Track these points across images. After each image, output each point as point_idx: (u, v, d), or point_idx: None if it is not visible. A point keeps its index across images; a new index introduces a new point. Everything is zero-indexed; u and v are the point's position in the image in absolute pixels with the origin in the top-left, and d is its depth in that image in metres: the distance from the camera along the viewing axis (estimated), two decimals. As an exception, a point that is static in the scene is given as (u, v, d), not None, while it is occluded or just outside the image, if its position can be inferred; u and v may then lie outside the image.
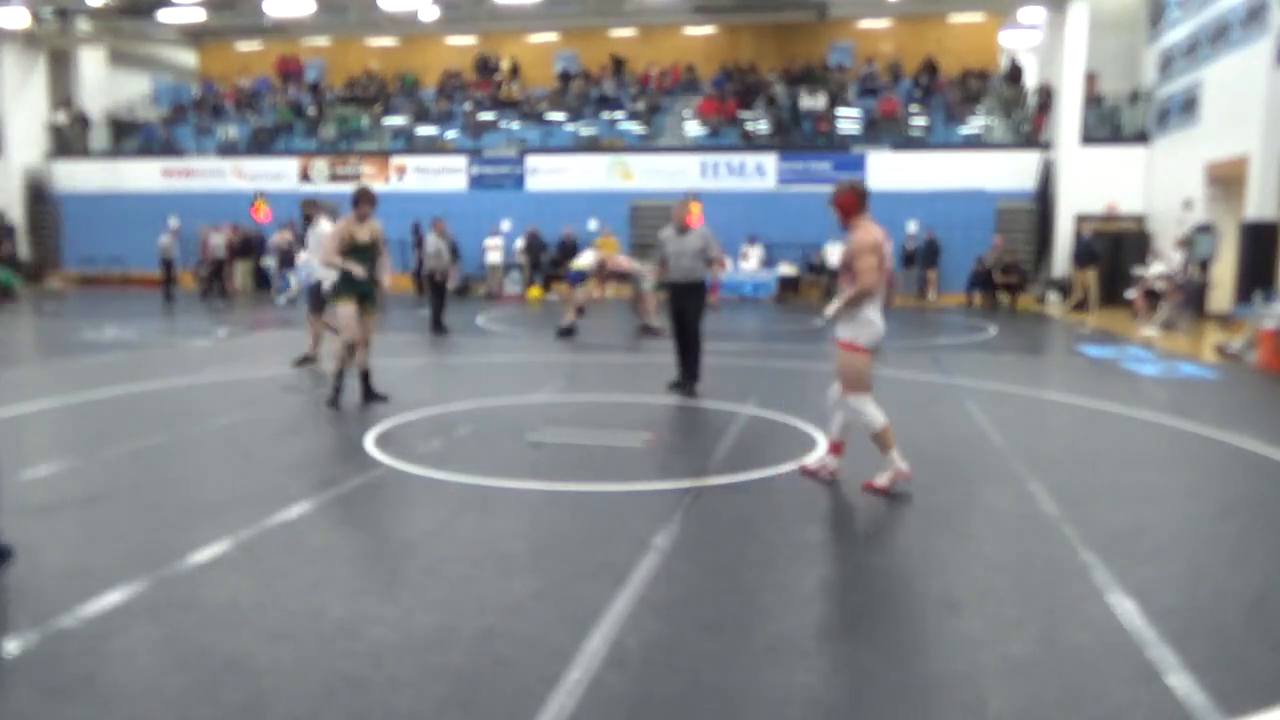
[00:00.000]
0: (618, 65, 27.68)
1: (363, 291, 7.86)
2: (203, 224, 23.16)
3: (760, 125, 24.37)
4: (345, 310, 7.86)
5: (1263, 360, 10.92)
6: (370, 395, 8.06)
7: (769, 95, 25.05)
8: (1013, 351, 12.96)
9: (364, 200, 7.88)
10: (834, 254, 22.29)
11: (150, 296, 21.53)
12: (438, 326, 14.06)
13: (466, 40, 29.16)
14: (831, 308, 5.47)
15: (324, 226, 9.73)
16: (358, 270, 7.71)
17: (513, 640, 3.38)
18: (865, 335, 5.35)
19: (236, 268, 23.76)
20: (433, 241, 14.39)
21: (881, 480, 5.37)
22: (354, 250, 7.82)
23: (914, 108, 24.24)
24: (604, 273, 14.83)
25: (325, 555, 4.39)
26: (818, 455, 5.94)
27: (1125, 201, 21.06)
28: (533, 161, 24.61)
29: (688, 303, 8.82)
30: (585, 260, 14.87)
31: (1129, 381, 10.00)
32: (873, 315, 5.37)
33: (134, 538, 4.53)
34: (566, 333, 13.49)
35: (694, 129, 24.81)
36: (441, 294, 14.32)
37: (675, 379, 8.99)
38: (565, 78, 27.47)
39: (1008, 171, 22.34)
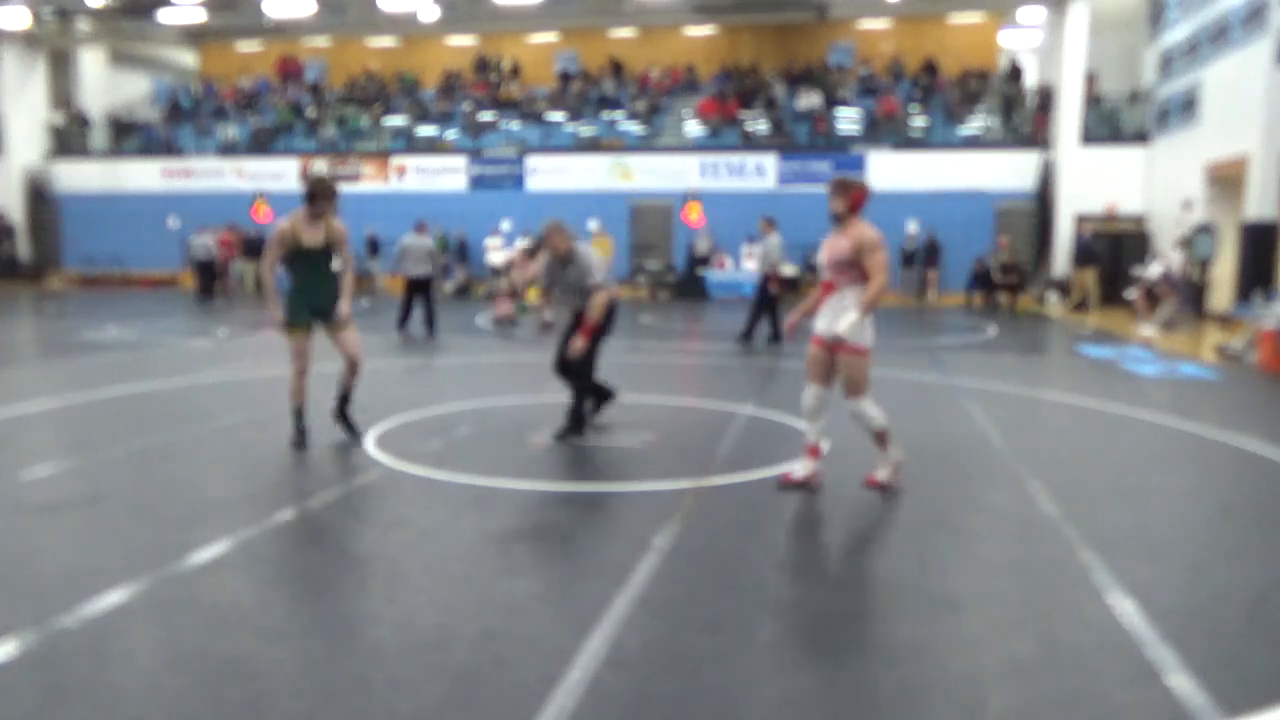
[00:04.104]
0: (618, 66, 27.68)
1: (314, 310, 6.27)
2: (218, 226, 23.36)
3: (760, 125, 24.38)
4: (292, 341, 6.29)
5: (1263, 360, 10.92)
6: (344, 421, 6.68)
7: (769, 96, 25.05)
8: (1013, 352, 12.95)
9: (322, 195, 6.04)
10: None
11: (150, 297, 21.51)
12: (403, 327, 13.81)
13: (466, 40, 29.17)
14: (849, 319, 5.04)
15: None
16: (276, 310, 6.21)
17: (513, 640, 3.38)
18: (869, 336, 5.25)
19: (242, 268, 23.73)
20: (417, 243, 14.25)
21: (884, 475, 5.37)
22: (299, 257, 6.13)
23: (914, 108, 24.25)
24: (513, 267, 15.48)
25: (325, 555, 4.39)
26: (803, 466, 5.45)
27: (1125, 202, 21.06)
28: (533, 162, 24.61)
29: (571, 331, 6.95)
30: (498, 257, 15.86)
31: (1129, 382, 10.00)
32: (868, 316, 5.20)
33: (134, 538, 4.53)
34: (502, 323, 14.73)
35: (694, 129, 24.82)
36: (412, 297, 13.95)
37: (563, 426, 6.78)
38: (565, 78, 27.48)
39: (1007, 171, 22.35)
